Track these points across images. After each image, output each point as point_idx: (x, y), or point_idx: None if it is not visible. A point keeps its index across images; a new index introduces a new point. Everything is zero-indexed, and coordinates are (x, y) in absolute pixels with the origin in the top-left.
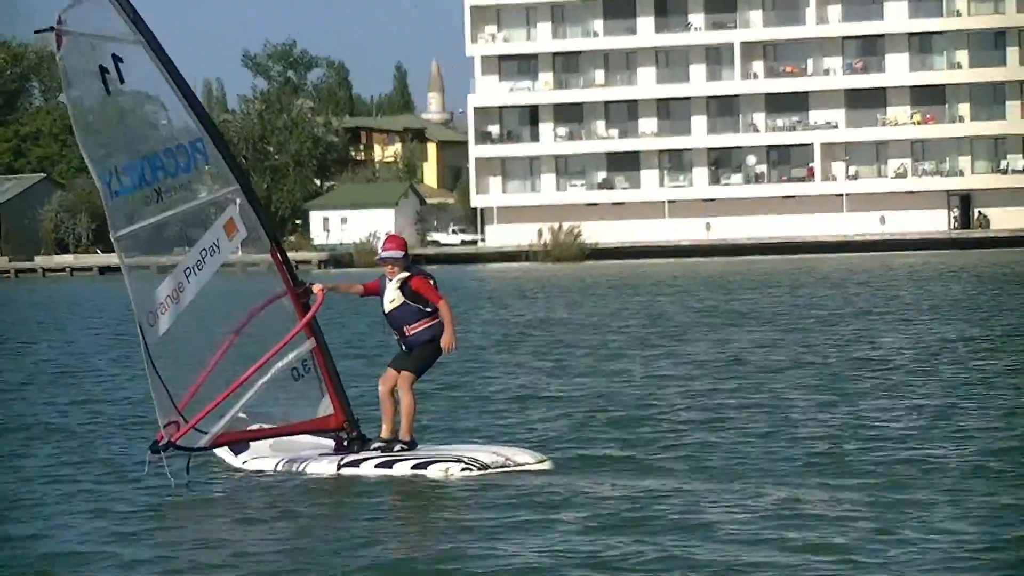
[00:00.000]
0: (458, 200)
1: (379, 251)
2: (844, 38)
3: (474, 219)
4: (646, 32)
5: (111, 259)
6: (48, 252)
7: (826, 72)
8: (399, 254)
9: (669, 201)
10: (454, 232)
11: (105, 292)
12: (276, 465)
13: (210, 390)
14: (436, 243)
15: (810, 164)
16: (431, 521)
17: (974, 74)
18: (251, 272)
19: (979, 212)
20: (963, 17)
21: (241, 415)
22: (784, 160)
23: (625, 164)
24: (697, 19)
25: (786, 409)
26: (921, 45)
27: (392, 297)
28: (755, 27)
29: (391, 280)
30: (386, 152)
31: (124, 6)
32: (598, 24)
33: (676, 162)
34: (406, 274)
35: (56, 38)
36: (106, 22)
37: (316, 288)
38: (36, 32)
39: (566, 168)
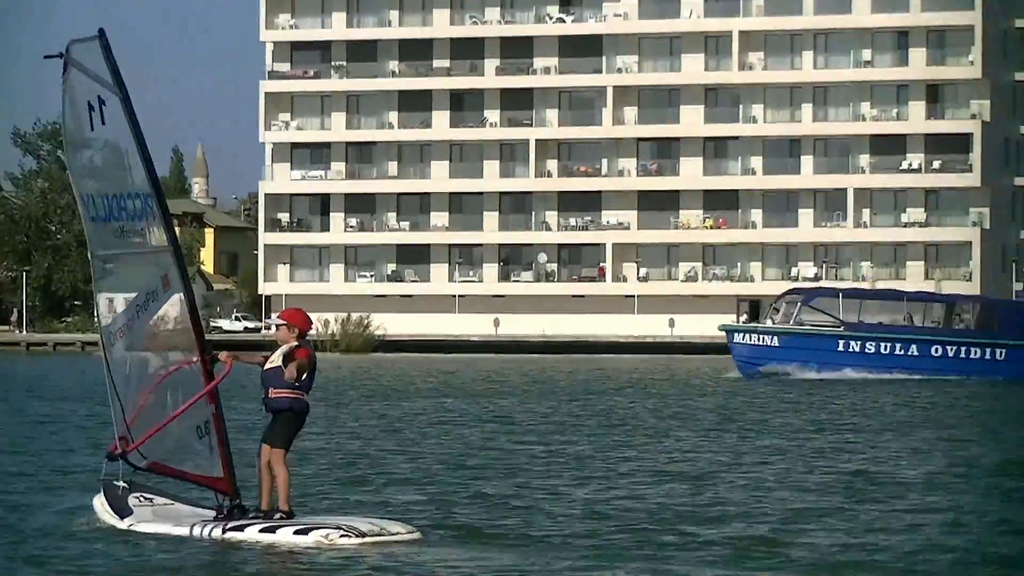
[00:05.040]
0: (238, 286)
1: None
2: (639, 139)
3: (257, 306)
4: (441, 125)
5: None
6: None
7: (620, 173)
8: (283, 321)
9: (459, 296)
10: (237, 319)
11: None
12: (162, 529)
13: (147, 419)
14: (220, 329)
15: (601, 263)
16: None
17: (767, 181)
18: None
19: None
20: (759, 124)
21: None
22: (575, 259)
23: (415, 257)
24: (493, 115)
25: None
26: (716, 150)
27: (274, 359)
28: (550, 126)
29: (282, 346)
30: None
31: (109, 58)
32: (393, 116)
33: (467, 257)
34: (296, 344)
35: (64, 64)
36: (98, 65)
37: (223, 355)
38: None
39: (356, 259)
